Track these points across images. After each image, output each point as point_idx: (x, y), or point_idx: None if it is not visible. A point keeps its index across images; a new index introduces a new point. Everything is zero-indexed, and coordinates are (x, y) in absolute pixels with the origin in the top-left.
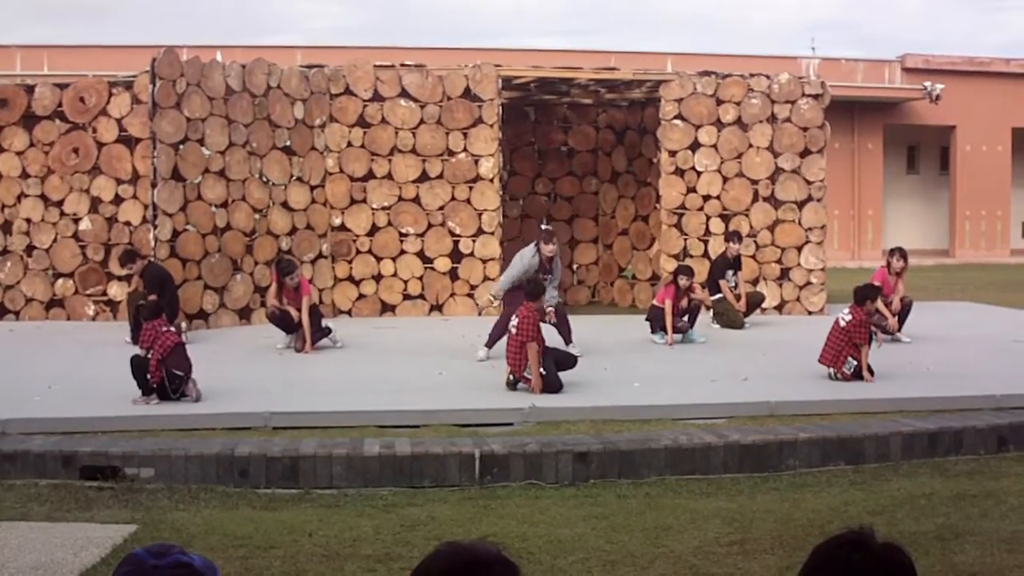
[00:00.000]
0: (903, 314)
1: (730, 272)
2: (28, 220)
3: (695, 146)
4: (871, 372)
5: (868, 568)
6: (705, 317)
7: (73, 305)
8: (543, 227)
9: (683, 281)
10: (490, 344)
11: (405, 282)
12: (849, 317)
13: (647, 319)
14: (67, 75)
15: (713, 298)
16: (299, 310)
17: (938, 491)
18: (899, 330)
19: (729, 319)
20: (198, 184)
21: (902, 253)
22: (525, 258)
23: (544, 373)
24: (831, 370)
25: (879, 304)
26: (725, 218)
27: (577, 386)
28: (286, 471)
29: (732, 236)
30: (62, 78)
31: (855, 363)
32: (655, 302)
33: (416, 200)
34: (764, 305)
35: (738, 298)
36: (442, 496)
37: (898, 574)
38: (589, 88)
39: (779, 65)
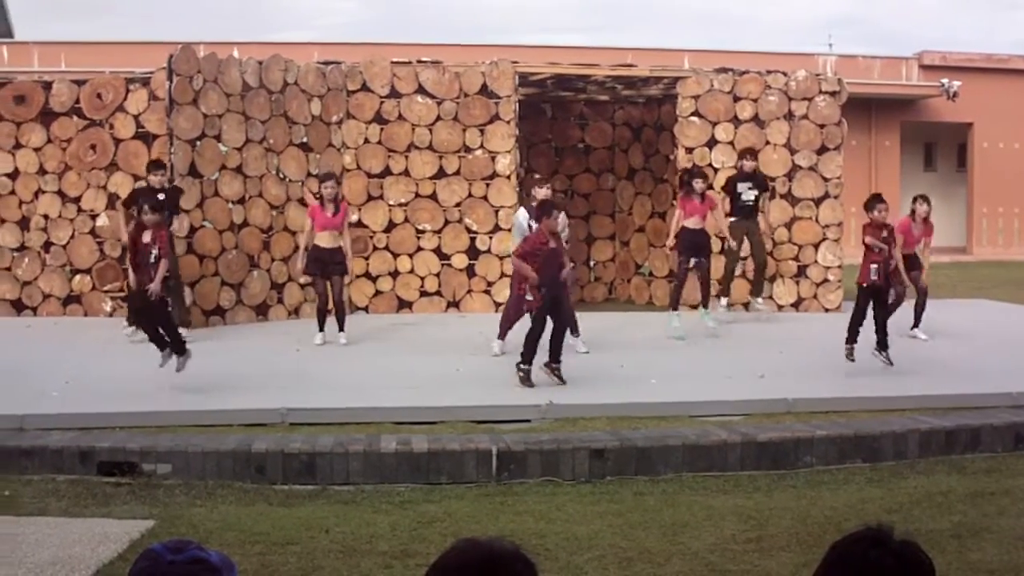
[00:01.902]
0: (919, 308)
1: (747, 186)
2: (46, 216)
3: (712, 143)
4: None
5: (885, 566)
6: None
7: (90, 301)
8: (535, 175)
9: (699, 184)
10: (502, 335)
11: (422, 279)
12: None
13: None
14: (84, 71)
15: (729, 220)
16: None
17: (955, 489)
18: (916, 325)
19: (735, 256)
20: (215, 180)
21: (925, 197)
22: (520, 217)
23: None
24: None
25: (900, 265)
26: None
27: (594, 383)
28: (303, 467)
29: (744, 154)
30: (79, 74)
31: (875, 267)
32: (683, 223)
33: (433, 197)
34: (781, 303)
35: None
36: (459, 492)
37: (916, 572)
38: (606, 85)
39: (796, 62)
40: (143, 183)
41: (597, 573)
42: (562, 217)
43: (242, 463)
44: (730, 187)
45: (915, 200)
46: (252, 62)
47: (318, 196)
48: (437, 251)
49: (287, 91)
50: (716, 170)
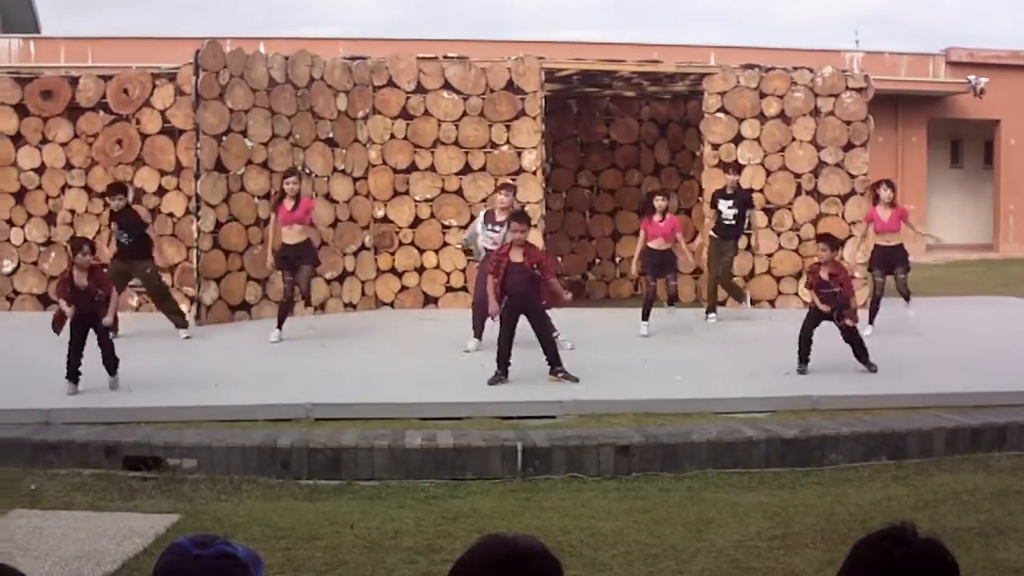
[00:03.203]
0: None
1: (727, 204)
2: (72, 211)
3: (738, 139)
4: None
5: (910, 564)
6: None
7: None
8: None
9: (659, 202)
10: (478, 334)
11: (448, 274)
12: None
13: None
14: (111, 67)
15: (710, 235)
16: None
17: (981, 487)
18: (871, 323)
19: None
20: (241, 175)
21: (889, 183)
22: (477, 222)
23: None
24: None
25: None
26: (768, 212)
27: (619, 379)
28: (328, 462)
29: (728, 167)
30: (106, 70)
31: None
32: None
33: (459, 192)
34: (806, 299)
35: (736, 234)
36: (484, 488)
37: (940, 570)
38: (632, 81)
39: (823, 58)
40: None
41: (622, 569)
42: (509, 230)
43: (267, 458)
44: (713, 203)
45: (877, 185)
46: (278, 57)
47: (278, 193)
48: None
49: (313, 86)
50: (742, 167)
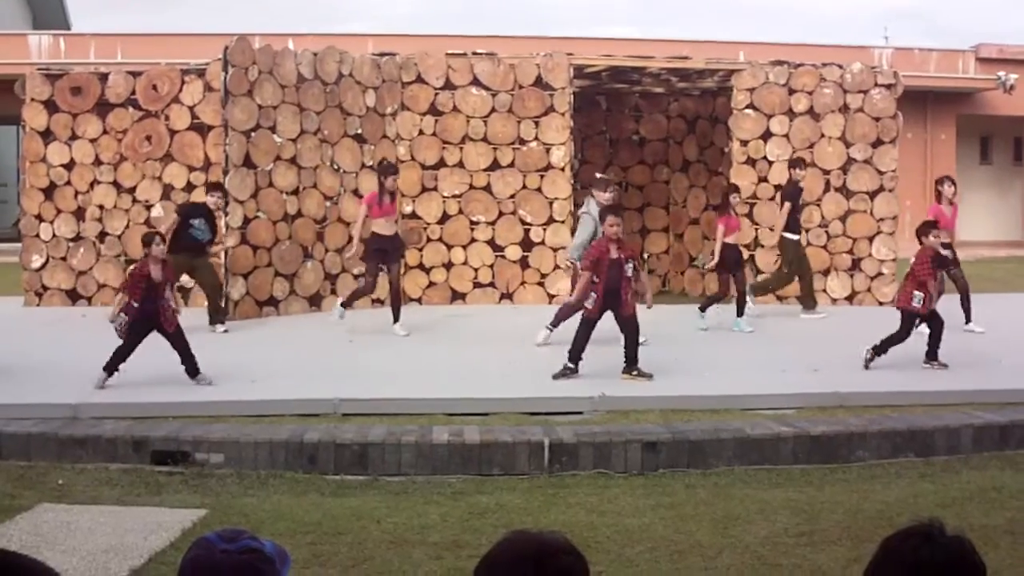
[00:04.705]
0: (965, 303)
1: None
2: (101, 207)
3: (767, 135)
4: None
5: (936, 561)
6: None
7: None
8: (598, 176)
9: (735, 199)
10: (556, 324)
11: (476, 270)
12: (913, 260)
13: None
14: (140, 63)
15: (789, 236)
16: (396, 222)
17: (1008, 484)
18: (968, 320)
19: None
20: (269, 171)
21: (951, 180)
22: (592, 214)
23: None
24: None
25: (940, 243)
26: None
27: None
28: (355, 458)
29: (796, 163)
30: (135, 66)
31: (921, 296)
32: (727, 240)
33: (487, 188)
34: (835, 296)
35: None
36: (511, 484)
37: (967, 568)
38: (661, 77)
39: (852, 55)
40: (204, 201)
41: (648, 566)
42: (605, 224)
43: (294, 453)
44: (791, 201)
45: (940, 182)
46: (307, 53)
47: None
48: (491, 243)
49: (342, 82)
50: (771, 163)
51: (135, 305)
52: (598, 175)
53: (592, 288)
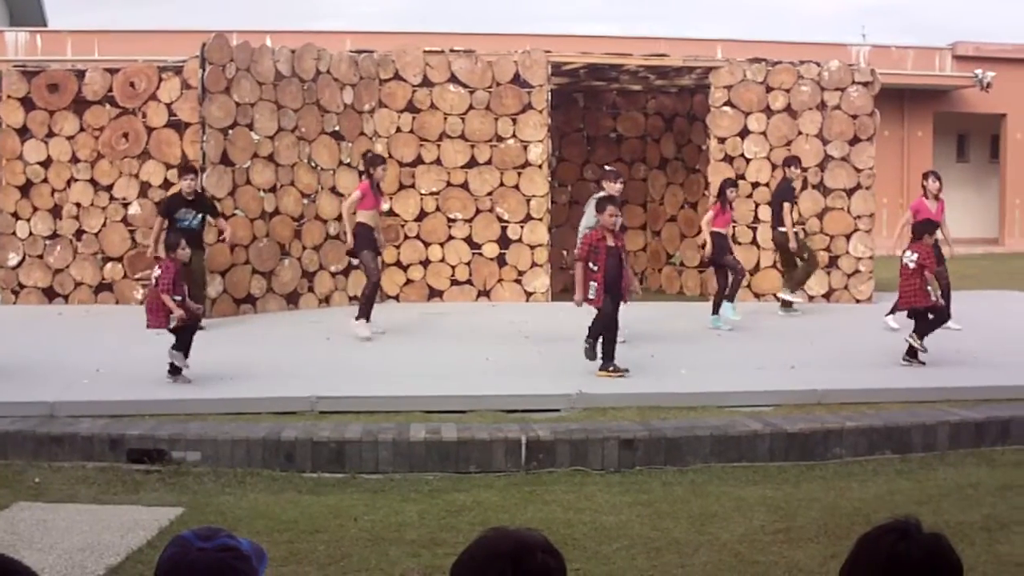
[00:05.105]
0: (945, 300)
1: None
2: (78, 204)
3: (744, 133)
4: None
5: (913, 558)
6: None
7: (122, 289)
8: (607, 167)
9: (731, 194)
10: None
11: (453, 268)
12: (915, 256)
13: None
14: (117, 60)
15: (781, 229)
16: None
17: (984, 481)
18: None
19: (799, 269)
20: (247, 169)
21: (935, 174)
22: (592, 205)
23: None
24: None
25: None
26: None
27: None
28: (332, 456)
29: (792, 161)
30: (112, 63)
31: (934, 289)
32: (715, 229)
33: (464, 186)
34: (811, 293)
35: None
36: (488, 482)
37: (943, 565)
38: (638, 74)
39: (829, 52)
40: (179, 190)
41: (625, 563)
42: (605, 214)
43: (271, 451)
44: (782, 198)
45: (925, 177)
46: (285, 51)
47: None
48: (468, 240)
49: (319, 80)
50: (748, 160)
51: (178, 299)
52: (607, 167)
53: (592, 277)
